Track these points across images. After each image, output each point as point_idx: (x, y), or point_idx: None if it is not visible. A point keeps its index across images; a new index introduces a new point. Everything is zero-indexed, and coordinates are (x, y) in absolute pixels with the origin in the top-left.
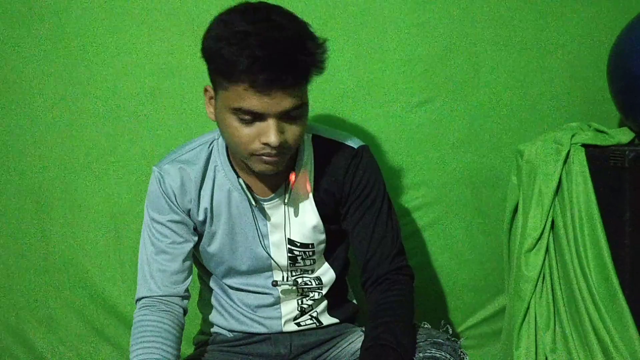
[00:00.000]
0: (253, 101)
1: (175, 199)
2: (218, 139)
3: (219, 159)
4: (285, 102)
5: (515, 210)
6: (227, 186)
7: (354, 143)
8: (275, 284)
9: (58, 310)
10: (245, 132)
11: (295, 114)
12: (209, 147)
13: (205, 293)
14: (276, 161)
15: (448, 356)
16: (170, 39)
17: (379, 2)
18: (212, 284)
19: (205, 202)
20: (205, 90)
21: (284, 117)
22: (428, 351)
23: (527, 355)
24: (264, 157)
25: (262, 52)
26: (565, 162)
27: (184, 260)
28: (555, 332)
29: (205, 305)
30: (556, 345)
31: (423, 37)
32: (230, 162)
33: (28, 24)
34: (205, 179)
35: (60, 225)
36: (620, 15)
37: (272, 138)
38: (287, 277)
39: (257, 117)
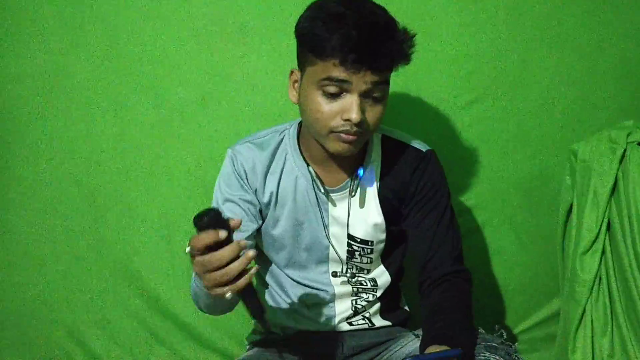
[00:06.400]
0: (341, 74)
1: (247, 177)
2: (290, 128)
3: (290, 146)
4: (370, 79)
5: (569, 211)
6: (295, 173)
7: (422, 146)
8: (335, 274)
9: (113, 311)
10: (327, 107)
11: (377, 96)
12: (280, 135)
13: (261, 290)
14: (353, 140)
15: None
16: (218, 45)
17: (426, 3)
18: (268, 279)
19: (271, 186)
20: (291, 72)
21: (367, 96)
22: (482, 354)
23: None
24: (342, 135)
25: (355, 32)
26: (621, 161)
27: (247, 239)
28: (613, 336)
29: None
30: (614, 350)
31: (470, 37)
32: (300, 151)
33: (81, 34)
34: (273, 164)
35: (114, 229)
36: None
37: (354, 114)
38: (345, 270)
39: (342, 90)
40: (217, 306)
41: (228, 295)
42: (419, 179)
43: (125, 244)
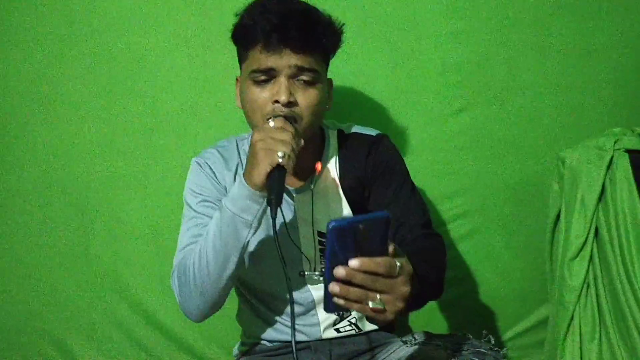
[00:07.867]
0: (266, 60)
1: (216, 176)
2: (249, 137)
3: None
4: (295, 60)
5: (557, 218)
6: None
7: (373, 132)
8: (302, 274)
9: (101, 322)
10: (260, 95)
11: (307, 78)
12: (241, 140)
13: (244, 306)
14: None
15: None
16: (208, 54)
17: (414, 11)
18: (249, 297)
19: None
20: (236, 80)
21: (296, 78)
22: None
23: None
24: None
25: (276, 17)
26: (608, 168)
27: None
28: (602, 342)
29: (244, 318)
30: (602, 356)
31: (459, 45)
32: None
33: (71, 43)
34: (238, 168)
35: (102, 238)
36: None
37: (282, 95)
38: (314, 268)
39: (270, 76)
40: (226, 246)
41: (280, 153)
42: (373, 160)
43: (113, 254)
